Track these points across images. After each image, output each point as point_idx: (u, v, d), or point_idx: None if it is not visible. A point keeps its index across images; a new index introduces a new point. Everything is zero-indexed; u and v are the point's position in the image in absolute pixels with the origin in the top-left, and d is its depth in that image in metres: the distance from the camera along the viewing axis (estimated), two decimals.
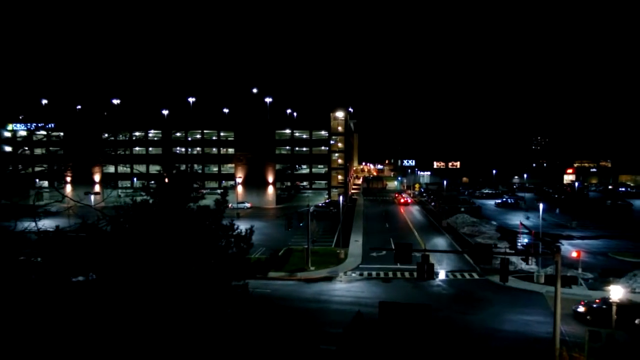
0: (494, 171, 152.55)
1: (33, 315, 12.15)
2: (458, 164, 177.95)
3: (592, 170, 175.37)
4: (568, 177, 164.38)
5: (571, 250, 47.36)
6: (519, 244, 53.20)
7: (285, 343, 27.43)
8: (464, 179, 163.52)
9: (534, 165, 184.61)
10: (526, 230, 58.06)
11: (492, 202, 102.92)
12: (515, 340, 28.50)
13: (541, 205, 52.57)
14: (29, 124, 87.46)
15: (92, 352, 13.62)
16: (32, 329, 11.86)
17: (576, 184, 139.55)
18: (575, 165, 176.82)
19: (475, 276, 42.64)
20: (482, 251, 34.83)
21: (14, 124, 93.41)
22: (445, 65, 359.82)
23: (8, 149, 14.80)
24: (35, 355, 11.75)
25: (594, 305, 31.84)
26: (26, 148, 14.25)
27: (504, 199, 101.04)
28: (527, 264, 44.84)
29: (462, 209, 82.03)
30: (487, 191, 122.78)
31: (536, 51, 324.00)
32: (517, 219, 70.33)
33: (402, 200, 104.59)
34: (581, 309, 31.94)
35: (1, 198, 12.26)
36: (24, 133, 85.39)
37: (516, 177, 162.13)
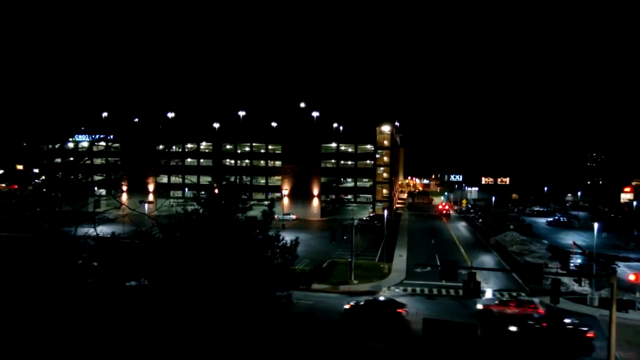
0: (546, 188, 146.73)
1: (87, 316, 12.85)
2: (507, 180, 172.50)
3: None
4: (625, 196, 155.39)
5: (628, 272, 44.86)
6: (572, 265, 50.92)
7: (328, 355, 27.59)
8: (514, 195, 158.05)
9: (588, 182, 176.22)
10: (579, 251, 55.49)
11: (543, 220, 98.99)
12: None
13: (596, 225, 50.22)
14: (90, 136, 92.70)
15: (141, 353, 14.30)
16: (86, 329, 12.55)
17: (634, 203, 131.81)
18: (634, 183, 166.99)
19: (524, 296, 41.21)
20: (532, 270, 33.70)
21: (77, 136, 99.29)
22: (496, 78, 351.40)
23: (71, 159, 15.82)
24: (87, 354, 12.45)
25: (361, 303, 35.19)
26: (87, 158, 15.17)
27: (556, 217, 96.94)
28: (580, 285, 42.88)
29: (511, 227, 79.39)
30: (538, 209, 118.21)
31: (594, 63, 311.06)
32: (569, 239, 67.28)
33: (444, 212, 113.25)
34: (347, 305, 35.27)
35: (62, 205, 13.14)
36: (85, 144, 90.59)
37: (569, 194, 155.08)
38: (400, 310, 34.32)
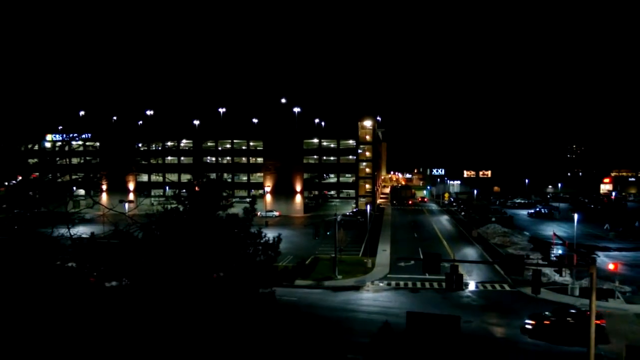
0: (527, 180, 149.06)
1: (67, 317, 12.51)
2: (489, 173, 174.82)
3: (630, 179, 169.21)
4: (605, 187, 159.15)
5: (608, 262, 45.76)
6: (553, 255, 51.71)
7: (312, 351, 27.45)
8: (495, 188, 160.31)
9: (568, 174, 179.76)
10: (560, 241, 56.37)
11: (524, 212, 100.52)
12: (549, 354, 27.68)
13: (576, 216, 51.08)
14: (66, 135, 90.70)
15: (122, 354, 13.97)
16: (65, 331, 12.21)
17: (613, 193, 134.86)
18: (613, 174, 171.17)
19: (507, 287, 41.70)
20: (514, 262, 33.97)
21: (54, 135, 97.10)
22: (477, 72, 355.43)
23: (47, 158, 15.31)
24: (68, 355, 12.12)
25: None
26: (64, 158, 14.79)
27: (537, 209, 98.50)
28: (561, 275, 43.56)
29: (493, 219, 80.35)
30: (519, 201, 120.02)
31: (572, 57, 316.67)
32: (550, 230, 68.42)
33: (419, 200, 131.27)
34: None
35: (41, 206, 12.75)
36: (62, 143, 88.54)
37: (550, 186, 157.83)
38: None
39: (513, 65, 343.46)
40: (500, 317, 34.22)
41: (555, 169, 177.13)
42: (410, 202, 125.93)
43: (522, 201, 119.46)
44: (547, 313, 31.58)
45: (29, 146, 13.87)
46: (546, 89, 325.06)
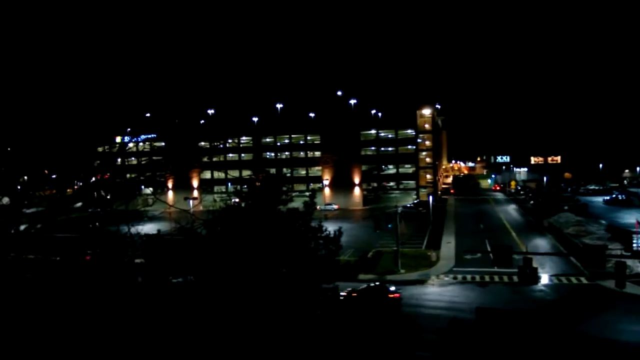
0: (601, 165, 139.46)
1: (136, 313, 12.80)
2: (559, 158, 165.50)
3: None
4: None
5: None
6: (635, 245, 47.73)
7: (379, 347, 26.92)
8: (566, 174, 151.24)
9: None
10: None
11: (599, 199, 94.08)
12: (635, 353, 25.47)
13: None
14: (134, 137, 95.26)
15: (190, 349, 14.16)
16: (134, 325, 12.48)
17: None
18: None
19: (584, 281, 39.02)
20: (593, 253, 31.77)
21: (122, 137, 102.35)
22: (541, 48, 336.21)
23: (117, 159, 15.89)
24: (137, 350, 12.38)
25: None
26: (132, 157, 15.27)
27: (614, 196, 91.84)
28: None
29: (565, 207, 75.56)
30: (593, 187, 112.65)
31: None
32: (630, 218, 63.32)
33: (492, 189, 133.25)
34: None
35: (112, 204, 13.15)
36: (130, 144, 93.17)
37: (627, 171, 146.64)
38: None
39: (582, 40, 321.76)
40: (578, 312, 31.90)
41: (633, 151, 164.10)
42: (452, 191, 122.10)
43: (597, 187, 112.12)
44: (360, 287, 34.52)
45: (100, 149, 14.39)
46: (619, 63, 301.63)
